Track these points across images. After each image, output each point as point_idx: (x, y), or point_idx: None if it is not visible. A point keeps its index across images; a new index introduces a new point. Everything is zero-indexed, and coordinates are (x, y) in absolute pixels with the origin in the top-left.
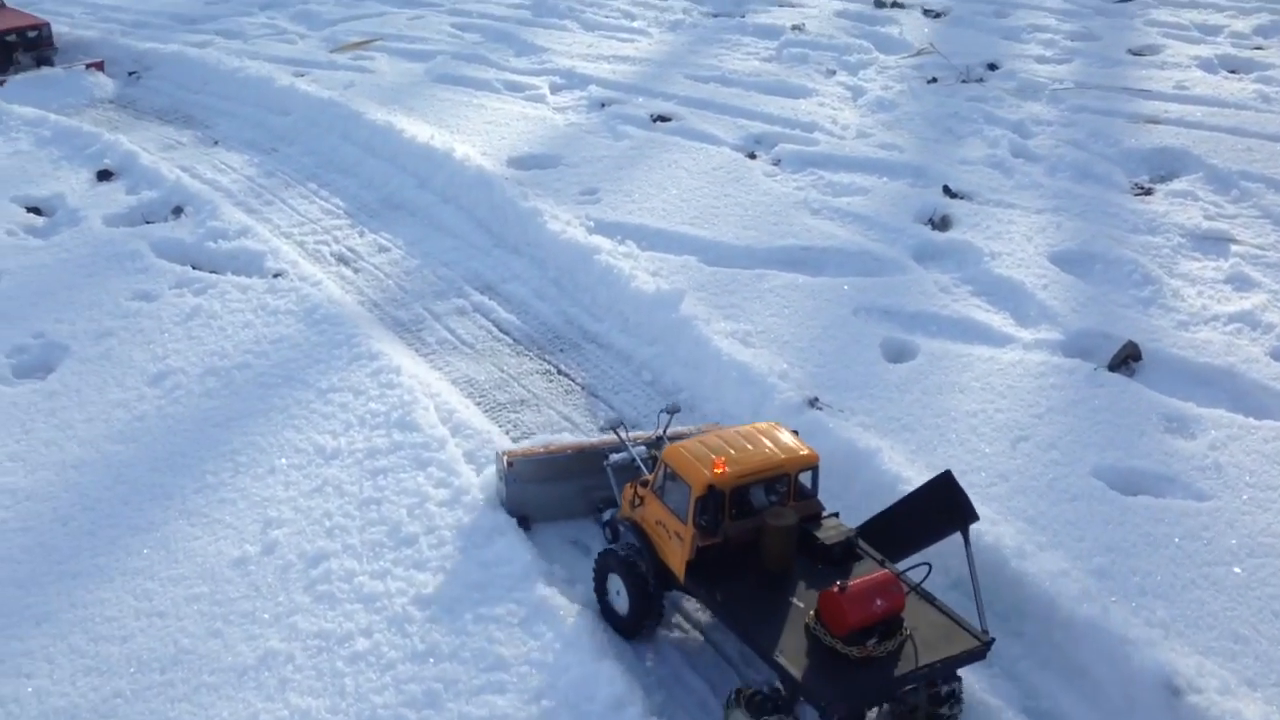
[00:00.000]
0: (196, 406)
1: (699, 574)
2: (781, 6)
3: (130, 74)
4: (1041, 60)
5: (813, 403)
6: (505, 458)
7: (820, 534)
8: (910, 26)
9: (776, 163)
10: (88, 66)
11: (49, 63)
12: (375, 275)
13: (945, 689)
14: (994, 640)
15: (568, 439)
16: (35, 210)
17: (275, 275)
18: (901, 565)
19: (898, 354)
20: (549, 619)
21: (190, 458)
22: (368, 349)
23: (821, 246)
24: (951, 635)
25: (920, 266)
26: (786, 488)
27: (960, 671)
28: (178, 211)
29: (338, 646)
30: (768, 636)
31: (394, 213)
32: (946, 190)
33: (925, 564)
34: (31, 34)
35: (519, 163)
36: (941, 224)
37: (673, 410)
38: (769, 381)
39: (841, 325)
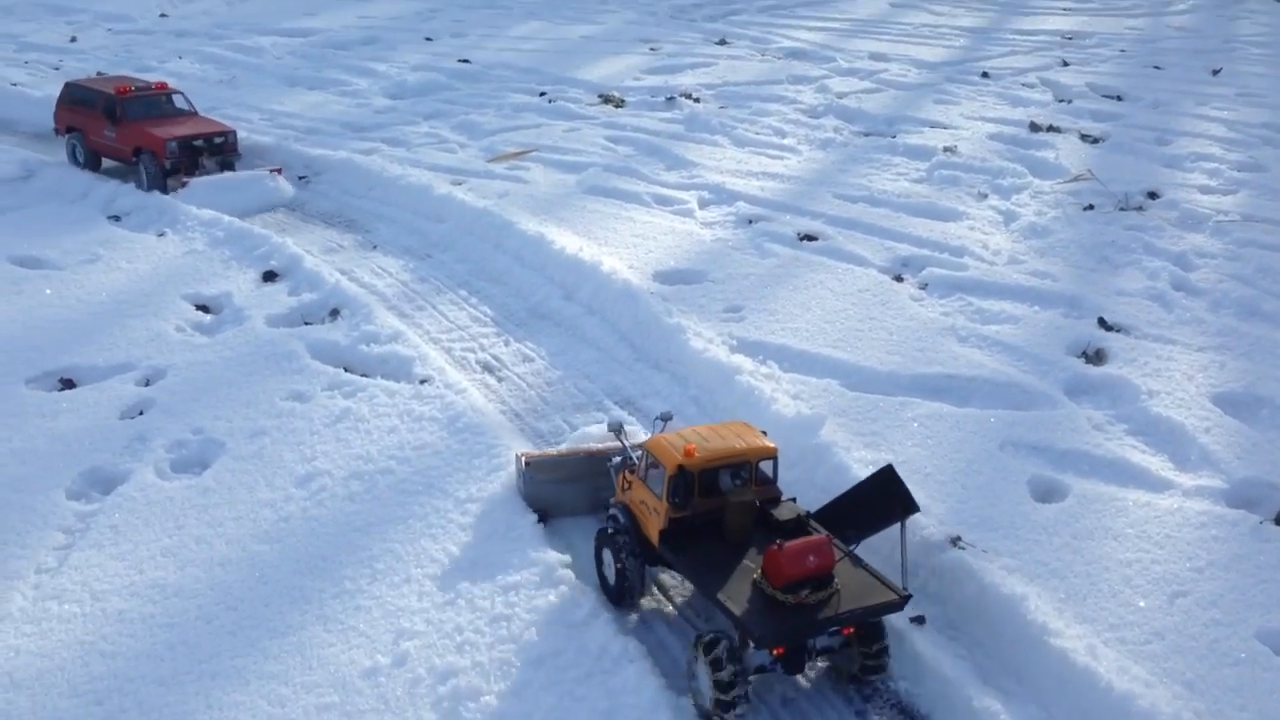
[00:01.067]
0: (340, 510)
1: (671, 542)
2: (933, 127)
3: (300, 178)
4: (1205, 190)
5: (955, 541)
6: (524, 459)
7: (776, 512)
8: (1066, 151)
9: (924, 287)
10: (270, 172)
11: (231, 167)
12: (518, 385)
13: (876, 647)
14: (910, 595)
15: (582, 446)
16: (204, 308)
17: (422, 381)
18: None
19: (1047, 493)
20: None
21: (331, 562)
22: (507, 461)
23: (968, 376)
24: (875, 591)
25: (1072, 402)
26: (749, 474)
27: None
28: (335, 314)
29: None
30: (721, 588)
31: (540, 322)
32: (1102, 322)
33: (856, 534)
34: (218, 140)
35: (665, 277)
36: (1096, 358)
37: (666, 418)
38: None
39: (987, 460)
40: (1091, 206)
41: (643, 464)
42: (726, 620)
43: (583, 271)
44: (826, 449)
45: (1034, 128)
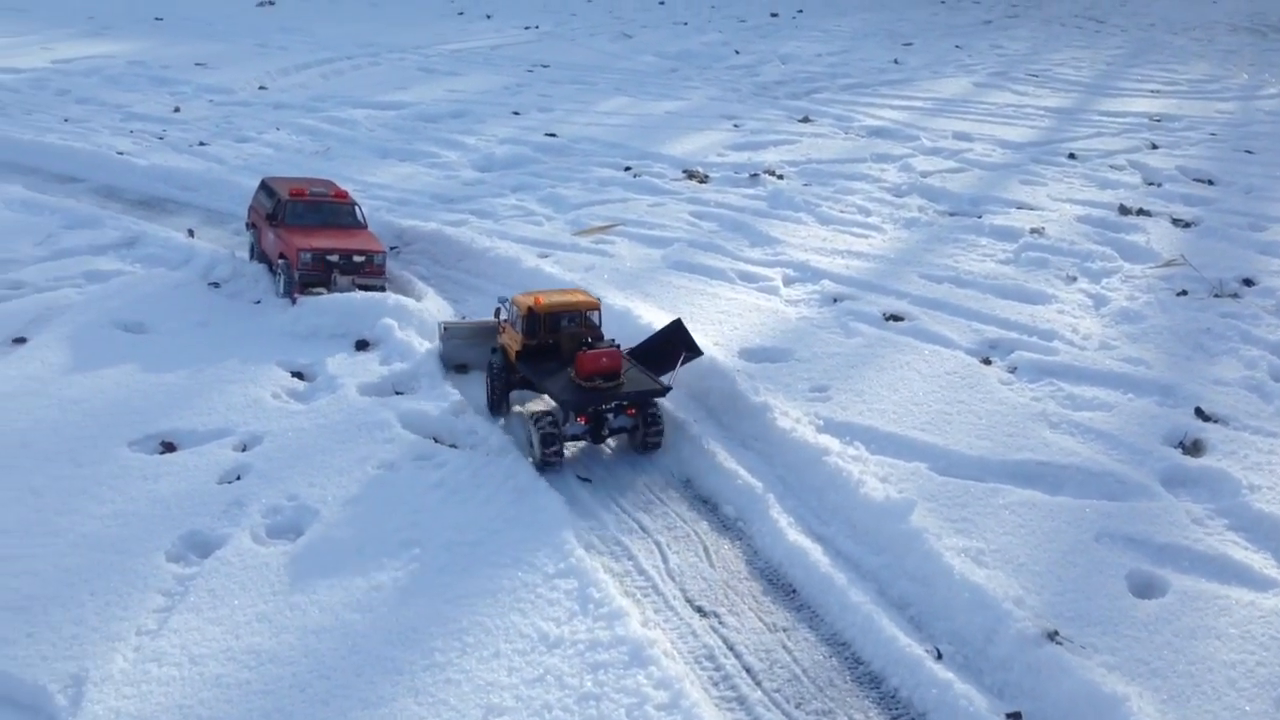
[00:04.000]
0: (431, 581)
1: (524, 360)
2: (1020, 208)
3: (391, 249)
4: None
5: (1052, 636)
6: (443, 325)
7: (598, 344)
8: (1157, 235)
9: (1012, 370)
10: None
11: (380, 290)
12: (604, 457)
13: (650, 413)
14: (670, 388)
15: (491, 319)
16: (299, 375)
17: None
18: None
19: (1145, 589)
20: None
21: (421, 633)
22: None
23: (1061, 463)
24: (647, 383)
25: (1169, 494)
26: (580, 319)
27: None
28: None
29: None
30: (550, 382)
31: None
32: (1199, 412)
33: (619, 346)
34: (357, 259)
35: (750, 354)
36: (1193, 449)
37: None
38: (1003, 607)
39: (1083, 551)
40: (1185, 292)
41: (510, 315)
42: (553, 402)
43: None
44: (917, 535)
45: (1123, 210)
